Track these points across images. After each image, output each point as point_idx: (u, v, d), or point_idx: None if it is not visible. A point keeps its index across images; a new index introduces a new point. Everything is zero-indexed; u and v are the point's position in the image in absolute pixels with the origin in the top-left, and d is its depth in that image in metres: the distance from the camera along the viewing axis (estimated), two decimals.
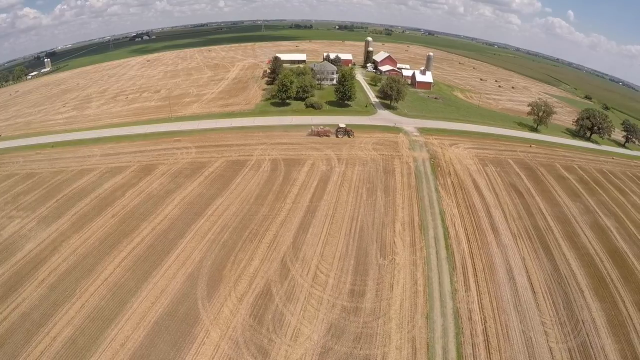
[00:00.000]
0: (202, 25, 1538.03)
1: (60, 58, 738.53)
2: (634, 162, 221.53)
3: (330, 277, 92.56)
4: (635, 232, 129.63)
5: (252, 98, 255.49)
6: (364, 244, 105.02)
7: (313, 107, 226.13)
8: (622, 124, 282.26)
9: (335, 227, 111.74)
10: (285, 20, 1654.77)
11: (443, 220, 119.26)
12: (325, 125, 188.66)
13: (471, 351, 77.18)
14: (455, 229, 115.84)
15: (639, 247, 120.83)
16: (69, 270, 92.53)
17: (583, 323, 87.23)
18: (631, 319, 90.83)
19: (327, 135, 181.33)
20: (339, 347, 74.91)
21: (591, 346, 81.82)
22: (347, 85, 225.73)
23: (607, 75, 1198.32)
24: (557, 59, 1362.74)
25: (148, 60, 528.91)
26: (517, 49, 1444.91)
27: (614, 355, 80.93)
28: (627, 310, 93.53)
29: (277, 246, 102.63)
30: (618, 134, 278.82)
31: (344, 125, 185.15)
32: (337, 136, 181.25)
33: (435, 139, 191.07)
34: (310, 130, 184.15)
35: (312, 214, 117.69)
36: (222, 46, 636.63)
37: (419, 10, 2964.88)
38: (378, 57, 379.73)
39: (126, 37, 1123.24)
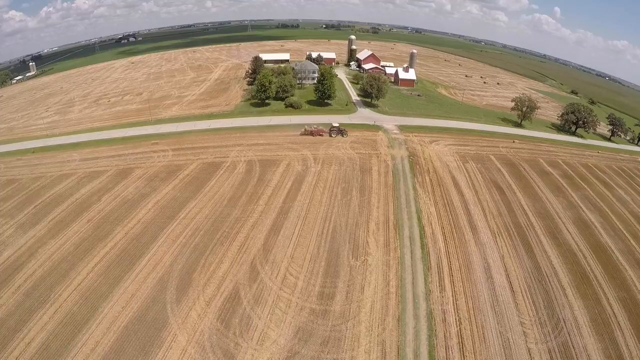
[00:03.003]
0: (189, 26, 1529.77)
1: (46, 61, 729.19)
2: (620, 155, 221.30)
3: (299, 280, 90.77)
4: (620, 227, 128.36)
5: (233, 99, 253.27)
6: (336, 245, 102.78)
7: (292, 107, 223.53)
8: (607, 118, 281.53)
9: (308, 228, 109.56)
10: (272, 20, 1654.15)
11: (419, 219, 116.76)
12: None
13: (444, 354, 75.17)
14: (431, 227, 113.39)
15: (624, 242, 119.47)
16: (44, 276, 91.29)
17: (564, 322, 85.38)
18: (615, 317, 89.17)
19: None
20: (306, 351, 73.49)
21: (573, 346, 80.00)
22: (327, 84, 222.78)
23: (593, 70, 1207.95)
24: (544, 55, 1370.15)
25: (132, 63, 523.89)
26: (504, 46, 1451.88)
27: (597, 354, 79.18)
28: (611, 307, 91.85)
29: (248, 249, 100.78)
30: (604, 128, 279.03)
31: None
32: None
33: (415, 136, 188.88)
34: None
35: (285, 215, 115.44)
36: (206, 47, 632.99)
37: (406, 9, 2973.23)
38: (361, 55, 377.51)
39: (112, 39, 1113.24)
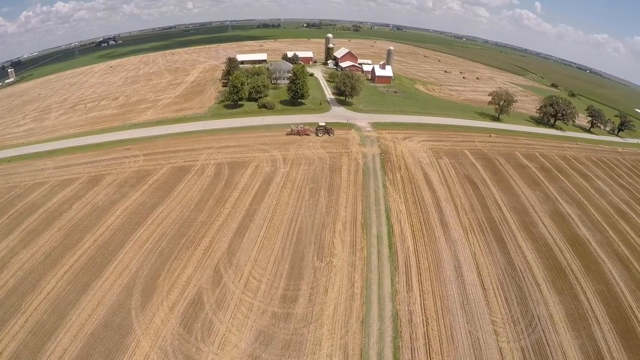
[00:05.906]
0: (170, 27, 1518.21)
1: (25, 67, 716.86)
2: (599, 146, 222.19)
3: (262, 283, 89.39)
4: (598, 219, 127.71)
5: (207, 101, 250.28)
6: (301, 246, 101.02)
7: (266, 108, 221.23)
8: (587, 110, 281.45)
9: (273, 230, 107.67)
10: (254, 20, 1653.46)
11: (388, 218, 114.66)
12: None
13: (410, 356, 73.55)
14: (400, 225, 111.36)
15: (603, 234, 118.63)
16: (16, 286, 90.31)
17: (539, 319, 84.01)
18: (593, 311, 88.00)
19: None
20: (267, 355, 72.71)
21: (547, 343, 78.56)
22: (299, 83, 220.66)
23: (574, 63, 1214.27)
24: (525, 49, 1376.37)
25: (111, 67, 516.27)
26: (486, 41, 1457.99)
27: (574, 351, 77.76)
28: (588, 301, 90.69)
29: (212, 253, 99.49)
30: (583, 120, 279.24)
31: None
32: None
33: (389, 133, 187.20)
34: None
35: (251, 217, 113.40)
36: (185, 49, 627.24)
37: (388, 6, 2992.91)
38: (339, 53, 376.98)
39: (92, 43, 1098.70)
